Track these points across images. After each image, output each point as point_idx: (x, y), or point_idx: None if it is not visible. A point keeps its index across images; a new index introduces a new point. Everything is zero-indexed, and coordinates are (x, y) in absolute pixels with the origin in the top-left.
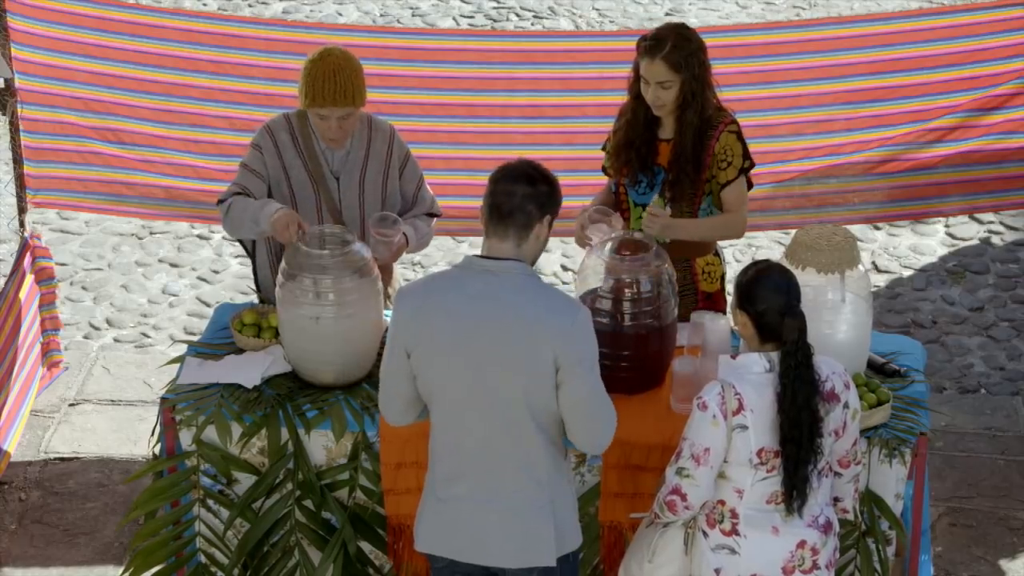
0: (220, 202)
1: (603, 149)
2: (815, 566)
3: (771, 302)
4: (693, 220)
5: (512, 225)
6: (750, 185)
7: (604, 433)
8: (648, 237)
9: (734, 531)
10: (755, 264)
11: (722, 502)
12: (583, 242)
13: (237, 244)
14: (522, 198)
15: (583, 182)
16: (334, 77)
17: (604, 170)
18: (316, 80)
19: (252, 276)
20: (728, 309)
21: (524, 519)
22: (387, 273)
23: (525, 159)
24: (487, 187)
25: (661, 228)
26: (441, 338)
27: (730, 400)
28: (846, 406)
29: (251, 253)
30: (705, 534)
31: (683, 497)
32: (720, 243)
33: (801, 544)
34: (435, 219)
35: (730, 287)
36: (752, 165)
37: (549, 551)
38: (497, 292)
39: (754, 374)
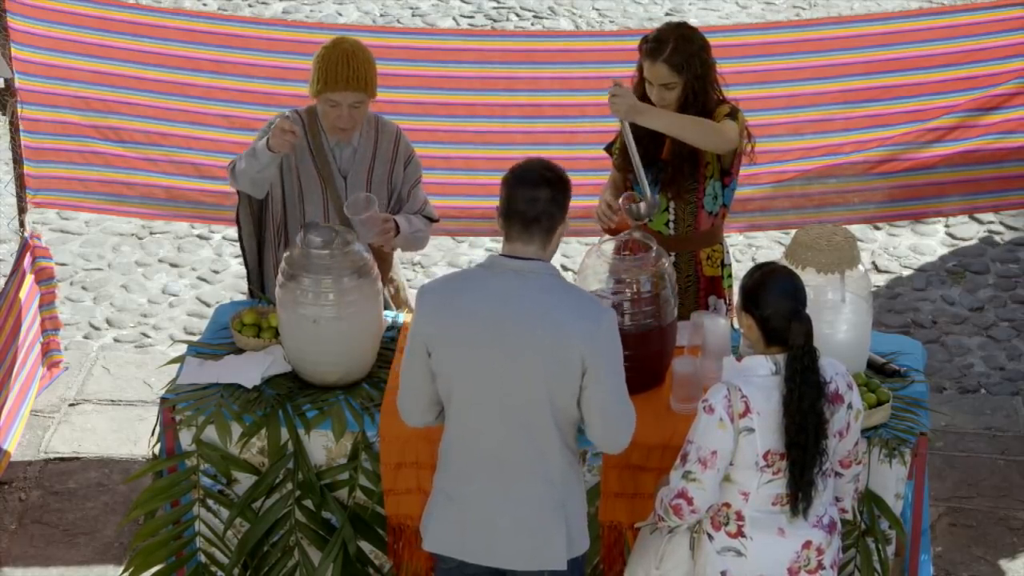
0: (231, 168)
1: (606, 150)
2: (820, 566)
3: (777, 306)
4: (664, 110)
5: (538, 231)
6: (753, 147)
7: (625, 433)
8: (648, 237)
9: (740, 533)
10: (761, 267)
11: (727, 505)
12: (607, 220)
13: (237, 244)
14: (546, 203)
15: (583, 182)
16: (348, 62)
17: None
18: (329, 65)
19: (249, 276)
20: (734, 310)
21: (536, 521)
22: (387, 273)
23: (534, 159)
24: (503, 191)
25: (627, 109)
26: (464, 337)
27: (736, 403)
28: (849, 407)
29: (258, 255)
30: (710, 537)
31: (689, 501)
32: (723, 236)
33: (807, 544)
34: (432, 223)
35: (731, 281)
36: (733, 111)
37: (560, 554)
38: (523, 292)
39: (760, 376)
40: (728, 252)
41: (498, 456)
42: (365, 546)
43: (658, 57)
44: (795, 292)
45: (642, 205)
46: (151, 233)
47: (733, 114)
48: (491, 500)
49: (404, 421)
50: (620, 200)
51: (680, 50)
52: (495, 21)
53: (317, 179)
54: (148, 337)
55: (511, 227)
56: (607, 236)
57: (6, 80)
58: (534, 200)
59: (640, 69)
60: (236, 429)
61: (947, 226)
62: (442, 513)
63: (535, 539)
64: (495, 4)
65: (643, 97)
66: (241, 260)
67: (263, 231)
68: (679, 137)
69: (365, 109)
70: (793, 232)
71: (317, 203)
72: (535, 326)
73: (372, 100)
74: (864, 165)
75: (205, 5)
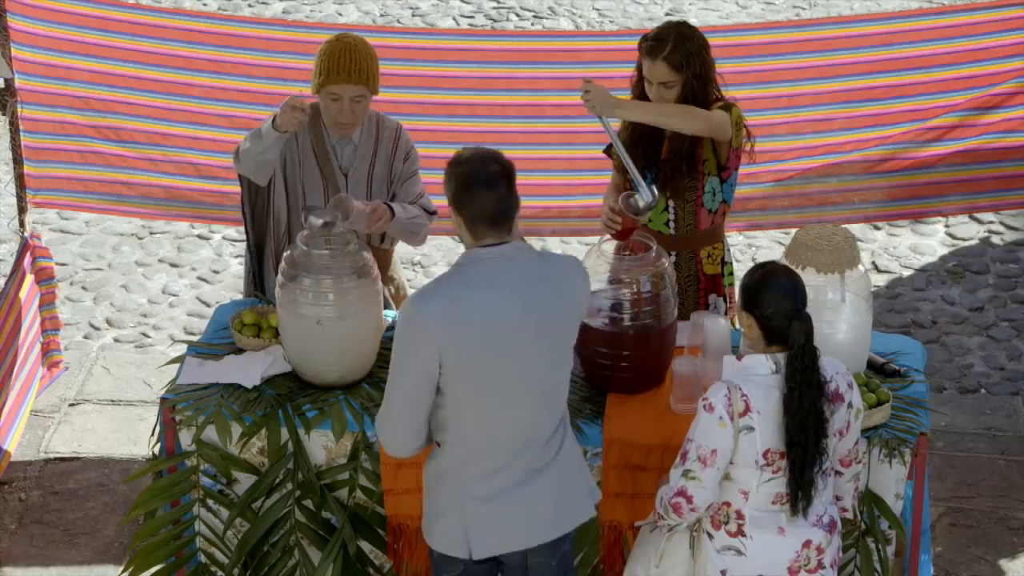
0: (235, 151)
1: (606, 152)
2: (820, 565)
3: (778, 305)
4: (642, 102)
5: (505, 222)
6: (750, 136)
7: None
8: (648, 237)
9: (740, 532)
10: (761, 266)
11: (727, 503)
12: (612, 224)
13: (237, 244)
14: (507, 198)
15: (583, 181)
16: (350, 55)
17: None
18: (331, 58)
19: (248, 277)
20: (734, 308)
21: (569, 481)
22: (387, 273)
23: (471, 152)
24: (456, 195)
25: (602, 105)
26: (486, 335)
27: (736, 402)
28: (850, 406)
29: (257, 253)
30: (710, 536)
31: (689, 500)
32: (724, 235)
33: (807, 544)
34: (432, 216)
35: (731, 279)
36: (727, 105)
37: (588, 503)
38: (521, 274)
39: (760, 375)
40: (729, 250)
41: (527, 436)
42: (365, 546)
43: (658, 55)
44: (795, 291)
45: (639, 199)
46: (151, 233)
47: (726, 108)
48: (528, 482)
49: (388, 453)
50: (619, 199)
51: (680, 48)
52: (495, 21)
53: (319, 177)
54: (148, 337)
55: (478, 227)
56: (608, 237)
57: (6, 80)
58: (498, 200)
59: (640, 68)
60: (236, 429)
61: (947, 226)
62: (479, 519)
63: (571, 498)
64: (495, 4)
65: (642, 96)
66: (242, 259)
67: (264, 228)
68: (663, 125)
69: (366, 105)
70: (793, 232)
71: (319, 201)
72: (547, 299)
73: (374, 97)
74: (864, 164)
75: (205, 5)
